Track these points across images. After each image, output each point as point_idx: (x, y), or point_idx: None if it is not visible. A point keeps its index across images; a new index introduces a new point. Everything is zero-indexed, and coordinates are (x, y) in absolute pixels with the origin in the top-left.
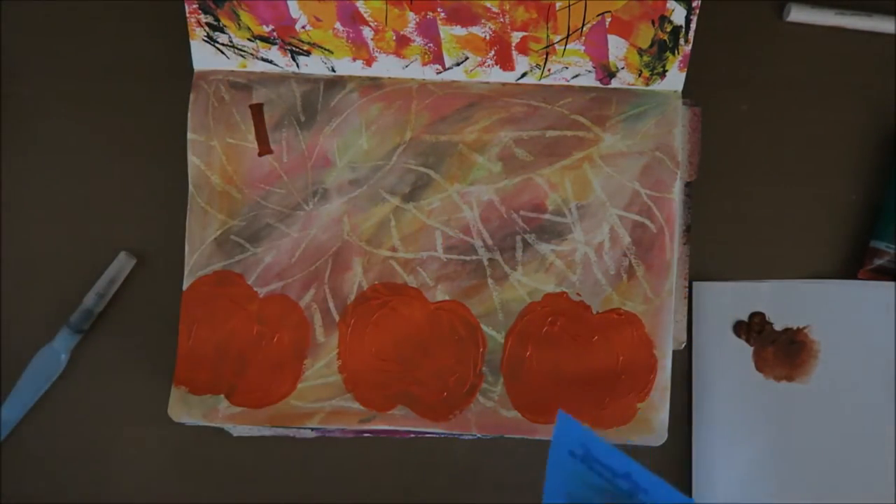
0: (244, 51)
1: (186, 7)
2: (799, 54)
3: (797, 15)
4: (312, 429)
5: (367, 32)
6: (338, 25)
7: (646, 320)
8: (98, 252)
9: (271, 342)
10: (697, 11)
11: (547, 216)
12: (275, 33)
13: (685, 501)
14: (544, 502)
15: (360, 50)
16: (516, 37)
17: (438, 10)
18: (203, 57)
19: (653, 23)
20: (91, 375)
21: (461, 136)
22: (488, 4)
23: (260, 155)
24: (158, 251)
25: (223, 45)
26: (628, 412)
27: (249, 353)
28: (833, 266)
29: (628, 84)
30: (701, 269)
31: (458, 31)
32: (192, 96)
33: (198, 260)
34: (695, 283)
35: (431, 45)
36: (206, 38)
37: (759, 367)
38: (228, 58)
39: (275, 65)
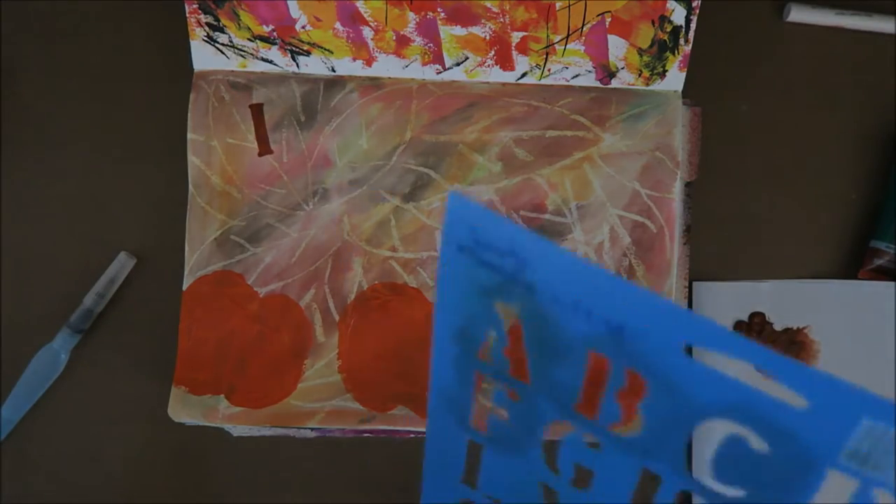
0: (244, 51)
1: (186, 7)
2: (799, 54)
3: (797, 15)
4: (312, 429)
5: (367, 32)
6: (338, 25)
7: None
8: (98, 252)
9: (271, 342)
10: (697, 11)
11: (547, 216)
12: (275, 33)
13: (573, 260)
14: (435, 343)
15: (360, 50)
16: (516, 37)
17: (438, 10)
18: (203, 57)
19: (653, 23)
20: (91, 375)
21: (461, 136)
22: (488, 4)
23: (260, 155)
24: (158, 251)
25: (223, 45)
26: None
27: (249, 353)
28: (833, 266)
29: (628, 84)
30: (701, 269)
31: (458, 31)
32: (192, 96)
33: (198, 260)
34: (695, 283)
35: (431, 45)
36: (206, 38)
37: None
38: (228, 58)
39: (275, 65)
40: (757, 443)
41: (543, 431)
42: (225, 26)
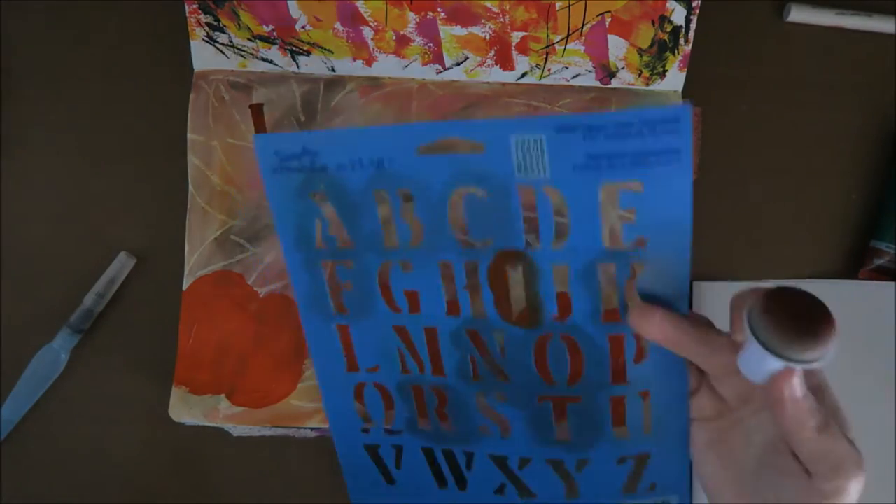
0: (244, 51)
1: (186, 7)
2: (799, 54)
3: (797, 15)
4: (312, 429)
5: (367, 32)
6: (338, 25)
7: None
8: (98, 252)
9: (271, 342)
10: (697, 11)
11: None
12: (275, 33)
13: (337, 132)
14: (285, 258)
15: (360, 50)
16: (516, 37)
17: (438, 10)
18: (203, 57)
19: (653, 23)
20: (91, 375)
21: None
22: (488, 4)
23: None
24: (158, 251)
25: (223, 45)
26: None
27: (249, 353)
28: (833, 266)
29: (628, 84)
30: (701, 269)
31: (458, 31)
32: (192, 96)
33: (198, 260)
34: (695, 283)
35: (431, 45)
36: (206, 38)
37: None
38: (228, 58)
39: (275, 65)
40: (480, 193)
41: (377, 278)
42: (225, 26)
